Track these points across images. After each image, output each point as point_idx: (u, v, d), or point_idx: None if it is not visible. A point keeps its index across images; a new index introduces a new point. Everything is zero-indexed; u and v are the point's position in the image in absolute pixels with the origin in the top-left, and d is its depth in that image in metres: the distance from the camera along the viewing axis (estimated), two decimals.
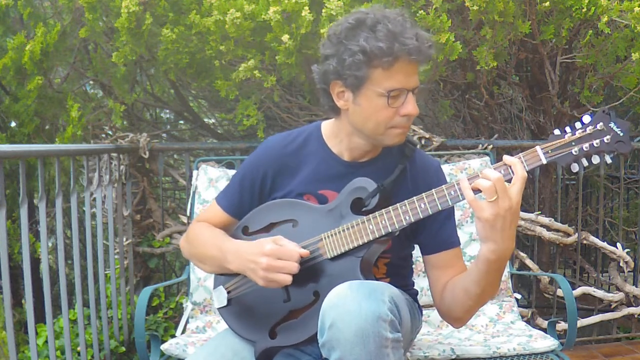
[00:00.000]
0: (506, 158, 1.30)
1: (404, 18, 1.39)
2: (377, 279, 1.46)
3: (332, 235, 1.43)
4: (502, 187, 1.24)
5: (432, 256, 1.56)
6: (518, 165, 1.28)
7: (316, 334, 1.28)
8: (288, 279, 1.37)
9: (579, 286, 2.94)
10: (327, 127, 1.59)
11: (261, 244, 1.41)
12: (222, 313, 1.57)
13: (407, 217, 1.38)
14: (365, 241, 1.40)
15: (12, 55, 2.74)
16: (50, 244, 2.95)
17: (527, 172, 1.31)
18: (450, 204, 1.36)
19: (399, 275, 1.63)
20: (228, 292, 1.55)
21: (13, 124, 3.23)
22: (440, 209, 1.36)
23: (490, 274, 1.34)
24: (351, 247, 1.41)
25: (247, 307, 1.52)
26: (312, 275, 1.43)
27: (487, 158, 2.42)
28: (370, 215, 1.41)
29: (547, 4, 2.48)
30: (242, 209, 1.60)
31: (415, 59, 1.36)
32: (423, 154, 1.62)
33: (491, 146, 2.74)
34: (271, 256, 1.37)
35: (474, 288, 1.39)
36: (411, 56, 1.35)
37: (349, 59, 1.36)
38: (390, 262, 1.58)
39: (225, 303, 1.55)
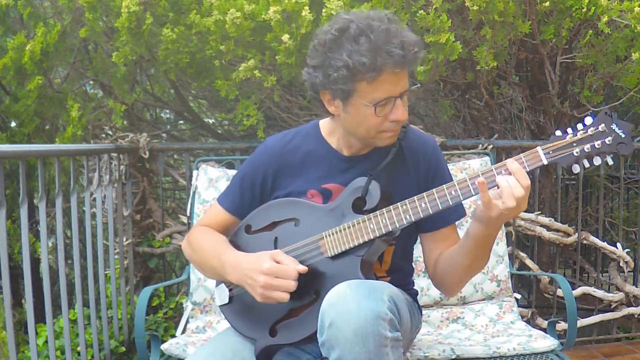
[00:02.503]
0: (510, 166, 1.31)
1: (390, 22, 1.38)
2: (377, 278, 1.47)
3: (333, 233, 1.44)
4: (519, 203, 1.29)
5: (430, 233, 1.59)
6: (521, 174, 1.30)
7: (316, 332, 1.29)
8: (285, 297, 1.37)
9: (579, 286, 2.94)
10: (325, 124, 1.62)
11: (259, 260, 1.40)
12: (223, 311, 1.58)
13: (408, 217, 1.39)
14: (366, 240, 1.41)
15: (12, 55, 2.74)
16: (50, 244, 2.95)
17: (527, 172, 1.33)
18: (451, 203, 1.37)
19: (400, 272, 1.63)
20: (230, 290, 1.56)
21: (13, 124, 3.23)
22: (440, 208, 1.37)
23: (478, 248, 1.42)
24: (352, 246, 1.42)
25: (248, 305, 1.52)
26: (312, 273, 1.43)
27: (487, 158, 2.42)
28: (371, 214, 1.41)
29: (547, 4, 2.48)
30: (243, 208, 1.62)
31: (400, 69, 1.36)
32: (417, 132, 1.63)
33: (491, 146, 2.74)
34: (269, 275, 1.37)
35: (464, 261, 1.46)
36: (396, 66, 1.35)
37: (334, 73, 1.37)
38: (395, 251, 1.59)
39: (226, 301, 1.56)
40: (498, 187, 1.31)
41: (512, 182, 1.30)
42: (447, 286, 1.57)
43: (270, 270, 1.37)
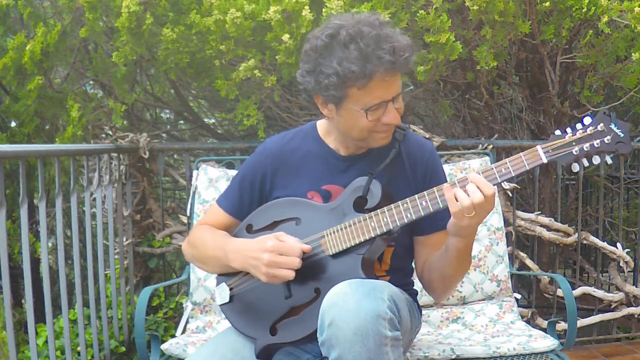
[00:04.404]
0: (471, 177, 1.33)
1: (381, 26, 1.38)
2: (377, 277, 1.47)
3: (334, 232, 1.44)
4: (480, 207, 1.32)
5: (423, 237, 1.59)
6: (483, 184, 1.32)
7: (316, 331, 1.29)
8: (290, 274, 1.38)
9: (579, 286, 2.94)
10: (322, 125, 1.63)
11: (263, 240, 1.42)
12: (224, 310, 1.58)
13: (409, 215, 1.40)
14: (367, 238, 1.41)
15: (13, 55, 2.74)
16: (50, 244, 2.95)
17: (528, 170, 1.34)
18: None
19: (400, 272, 1.64)
20: (230, 289, 1.56)
21: (13, 124, 3.22)
22: (441, 206, 1.38)
23: (460, 258, 1.44)
24: (353, 244, 1.42)
25: (249, 304, 1.53)
26: (313, 272, 1.43)
27: (487, 158, 2.42)
28: (372, 212, 1.42)
29: (547, 4, 2.48)
30: (242, 209, 1.62)
31: (391, 75, 1.37)
32: (416, 135, 1.64)
33: (491, 146, 2.74)
34: (273, 252, 1.39)
35: (449, 271, 1.48)
36: (386, 73, 1.36)
37: (325, 80, 1.38)
38: (394, 252, 1.59)
39: (227, 300, 1.56)
40: (457, 200, 1.33)
41: (469, 188, 1.33)
42: (435, 292, 1.59)
43: (274, 248, 1.39)
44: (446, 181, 1.58)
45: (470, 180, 1.33)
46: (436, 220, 1.55)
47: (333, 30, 1.39)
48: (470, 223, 1.34)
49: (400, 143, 1.55)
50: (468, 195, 1.32)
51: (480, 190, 1.32)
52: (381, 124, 1.43)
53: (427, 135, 2.72)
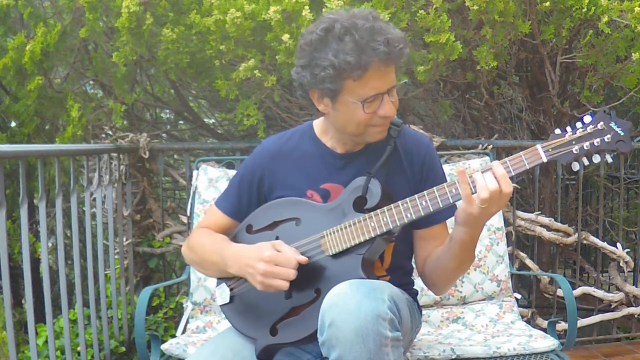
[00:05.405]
0: (496, 169, 1.32)
1: (375, 20, 1.39)
2: (378, 277, 1.47)
3: (334, 232, 1.44)
4: (496, 198, 1.31)
5: (422, 230, 1.59)
6: (504, 180, 1.31)
7: (317, 331, 1.29)
8: (285, 285, 1.38)
9: (579, 286, 2.94)
10: (318, 124, 1.63)
11: (260, 249, 1.42)
12: (224, 310, 1.58)
13: (409, 214, 1.40)
14: (367, 238, 1.42)
15: (13, 55, 2.74)
16: (50, 244, 2.94)
17: (528, 170, 1.34)
18: (451, 201, 1.38)
19: (400, 270, 1.64)
20: (231, 289, 1.56)
21: (13, 124, 3.23)
22: (441, 206, 1.38)
23: (464, 251, 1.43)
24: (353, 244, 1.42)
25: (249, 304, 1.53)
26: (313, 272, 1.43)
27: (487, 158, 2.42)
28: (372, 212, 1.42)
29: (547, 3, 2.49)
30: (241, 211, 1.63)
31: (385, 65, 1.38)
32: (412, 131, 1.64)
33: (491, 146, 2.74)
34: (269, 262, 1.39)
35: (451, 264, 1.47)
36: (381, 63, 1.37)
37: (321, 73, 1.39)
38: (395, 249, 1.59)
39: (227, 300, 1.56)
40: (473, 182, 1.33)
41: (486, 175, 1.32)
42: (436, 286, 1.59)
43: (270, 258, 1.39)
44: (444, 175, 1.60)
45: (493, 170, 1.32)
46: (434, 214, 1.55)
47: (327, 24, 1.40)
48: (480, 212, 1.32)
49: (395, 139, 1.56)
50: (485, 182, 1.31)
51: (499, 184, 1.31)
52: (377, 117, 1.44)
53: (428, 135, 2.72)
